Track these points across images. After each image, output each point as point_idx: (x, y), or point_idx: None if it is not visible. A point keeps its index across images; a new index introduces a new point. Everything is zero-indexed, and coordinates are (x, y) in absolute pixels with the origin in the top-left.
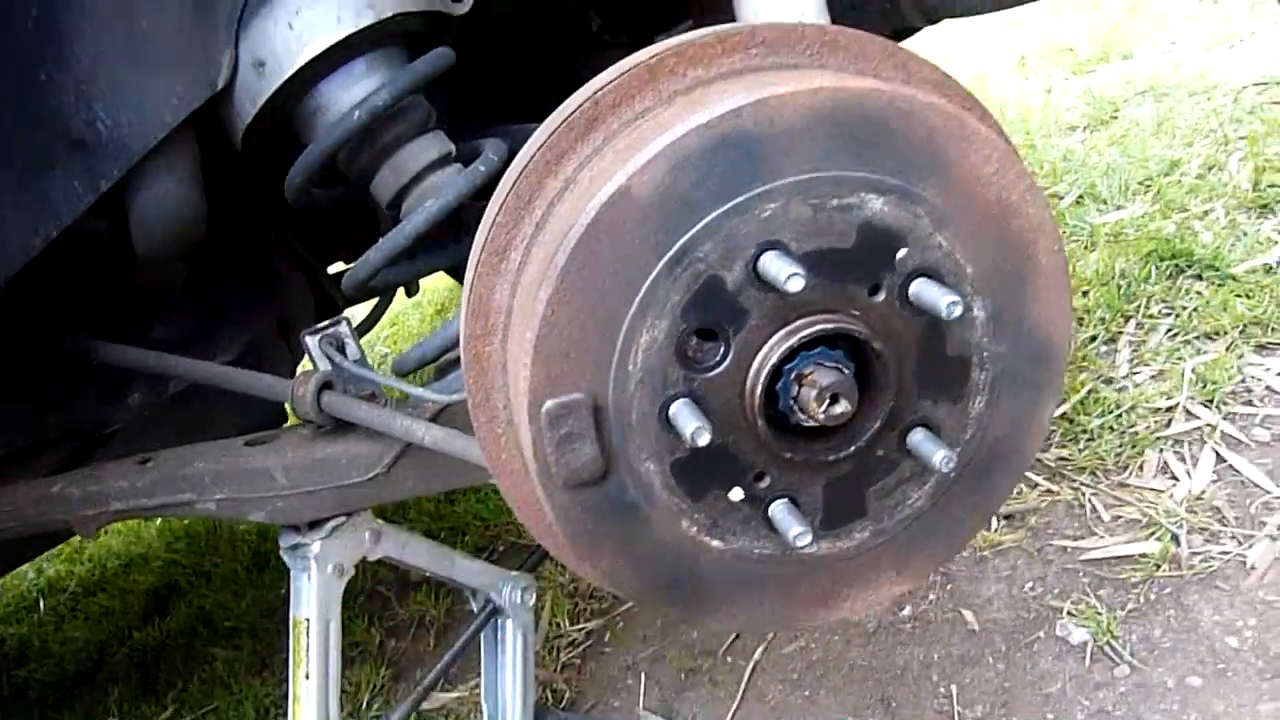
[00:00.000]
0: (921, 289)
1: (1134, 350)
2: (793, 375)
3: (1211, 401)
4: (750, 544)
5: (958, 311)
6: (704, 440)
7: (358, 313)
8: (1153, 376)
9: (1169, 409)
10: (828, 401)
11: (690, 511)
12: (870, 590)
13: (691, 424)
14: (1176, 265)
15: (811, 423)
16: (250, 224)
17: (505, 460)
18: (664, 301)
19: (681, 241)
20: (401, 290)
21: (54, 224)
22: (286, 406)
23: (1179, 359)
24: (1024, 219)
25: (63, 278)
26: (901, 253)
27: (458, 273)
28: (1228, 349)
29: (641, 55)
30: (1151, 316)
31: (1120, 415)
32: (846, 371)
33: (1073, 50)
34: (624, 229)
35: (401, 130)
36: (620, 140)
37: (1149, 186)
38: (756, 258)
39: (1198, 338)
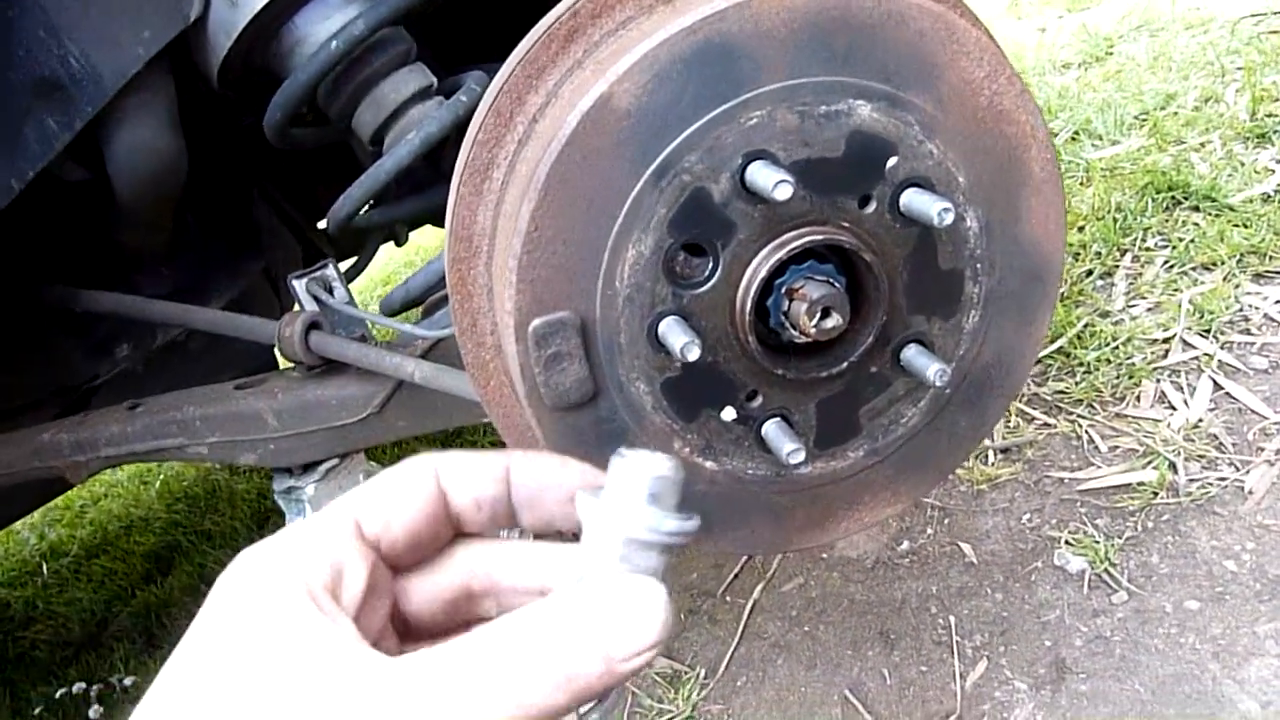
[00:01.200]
0: (912, 199)
1: (1130, 283)
2: (783, 290)
3: (1209, 331)
4: (744, 464)
5: (949, 219)
6: (694, 355)
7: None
8: (1149, 309)
9: (1166, 340)
10: (819, 315)
11: (682, 432)
12: (864, 510)
13: (681, 339)
14: (1173, 197)
15: (803, 339)
16: (234, 179)
17: (494, 387)
18: (650, 216)
19: (666, 152)
20: (395, 246)
21: (30, 166)
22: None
23: (1176, 290)
24: (1016, 125)
25: (47, 234)
26: (891, 162)
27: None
28: (1225, 279)
29: None
30: (1148, 249)
31: (1117, 347)
32: (837, 285)
33: None
34: (606, 141)
35: (381, 63)
36: (601, 51)
37: (1145, 121)
38: (744, 168)
39: (1194, 269)
